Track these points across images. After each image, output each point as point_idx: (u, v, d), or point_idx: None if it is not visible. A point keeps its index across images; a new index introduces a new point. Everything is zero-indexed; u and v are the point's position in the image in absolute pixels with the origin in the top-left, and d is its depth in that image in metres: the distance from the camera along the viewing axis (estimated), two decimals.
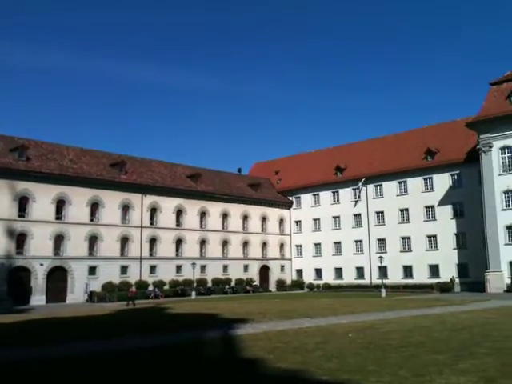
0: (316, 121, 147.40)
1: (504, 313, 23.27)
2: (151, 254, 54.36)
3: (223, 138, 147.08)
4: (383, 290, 45.07)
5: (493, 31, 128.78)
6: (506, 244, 45.54)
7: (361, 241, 61.66)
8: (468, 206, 52.60)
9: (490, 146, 47.41)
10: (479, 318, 20.88)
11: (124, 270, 51.46)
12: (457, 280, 52.82)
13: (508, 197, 46.17)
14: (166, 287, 53.53)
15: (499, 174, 46.70)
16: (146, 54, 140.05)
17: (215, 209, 60.88)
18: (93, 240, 49.72)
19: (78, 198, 48.62)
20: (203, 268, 57.91)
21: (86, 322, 24.25)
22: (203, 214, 59.92)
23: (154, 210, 55.12)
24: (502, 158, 46.99)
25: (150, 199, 54.54)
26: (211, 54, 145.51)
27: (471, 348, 12.26)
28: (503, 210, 46.02)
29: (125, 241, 52.21)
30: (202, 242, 59.28)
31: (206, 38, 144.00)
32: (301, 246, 67.98)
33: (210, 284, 57.78)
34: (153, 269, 53.83)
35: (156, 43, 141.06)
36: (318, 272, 65.38)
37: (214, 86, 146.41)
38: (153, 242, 54.61)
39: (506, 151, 46.80)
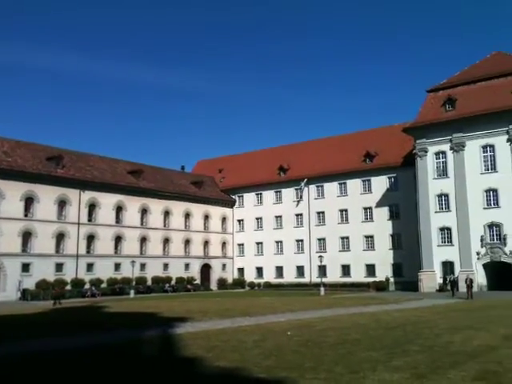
0: (260, 120, 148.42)
1: (435, 311, 24.27)
2: (88, 252, 52.83)
3: (167, 135, 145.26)
4: (322, 289, 45.98)
5: (432, 40, 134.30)
6: (438, 245, 47.56)
7: (302, 240, 62.61)
8: (404, 208, 54.57)
9: (426, 151, 49.35)
10: (412, 316, 21.67)
11: (59, 267, 49.73)
12: (391, 279, 54.71)
13: (441, 200, 48.21)
14: (104, 285, 52.22)
15: (433, 178, 48.68)
16: (89, 46, 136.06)
17: (157, 206, 59.98)
18: (26, 236, 47.73)
19: (12, 192, 46.52)
20: (143, 266, 56.93)
21: (16, 320, 23.22)
22: (144, 211, 58.89)
23: (92, 207, 53.58)
24: (437, 163, 49.02)
25: (88, 195, 52.97)
26: (157, 48, 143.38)
27: (404, 345, 12.68)
28: (436, 212, 48.03)
29: (61, 237, 50.46)
30: (143, 240, 58.25)
31: (145, 30, 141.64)
32: (243, 244, 68.19)
33: (149, 282, 56.88)
34: (90, 267, 52.34)
35: (92, 35, 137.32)
36: (260, 271, 65.83)
37: (158, 82, 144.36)
38: (90, 239, 53.09)
39: (441, 156, 48.86)
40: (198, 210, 65.06)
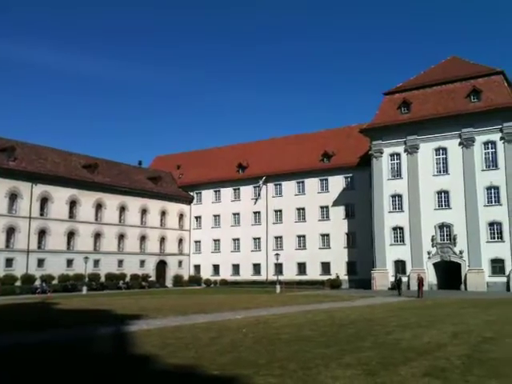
0: (220, 117, 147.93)
1: (387, 309, 24.86)
2: (40, 247, 51.33)
3: (124, 129, 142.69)
4: (278, 286, 46.32)
5: (390, 43, 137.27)
6: (391, 244, 48.76)
7: (259, 238, 62.87)
8: (359, 207, 55.64)
9: (381, 152, 50.46)
10: (365, 313, 22.12)
11: (9, 262, 48.12)
12: (345, 277, 55.67)
13: (395, 200, 49.43)
14: (55, 282, 50.90)
15: (388, 179, 49.85)
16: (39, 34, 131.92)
17: (112, 201, 58.86)
18: None
19: None
20: (96, 262, 55.77)
21: None
22: (99, 207, 57.68)
23: (44, 200, 52.05)
24: (391, 164, 50.21)
25: (40, 188, 51.44)
26: (117, 40, 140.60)
27: (356, 342, 12.91)
28: (390, 212, 49.22)
29: (11, 232, 48.84)
30: (97, 236, 57.06)
31: (103, 21, 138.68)
32: (200, 241, 67.85)
33: (103, 279, 55.79)
34: (41, 262, 50.88)
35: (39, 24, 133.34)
36: (216, 268, 65.67)
37: (117, 75, 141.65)
38: (42, 233, 51.59)
39: (395, 158, 50.08)
40: (154, 206, 64.26)
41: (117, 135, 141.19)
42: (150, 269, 62.60)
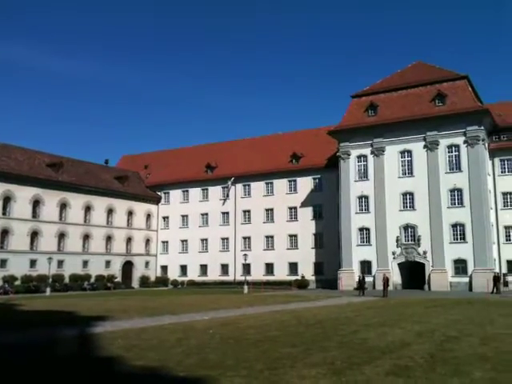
0: (188, 117, 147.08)
1: (353, 309, 25.16)
2: (2, 247, 50.04)
3: (90, 128, 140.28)
4: (246, 287, 46.34)
5: (358, 46, 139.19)
6: (357, 245, 49.41)
7: (227, 238, 62.74)
8: (326, 208, 56.19)
9: (349, 154, 51.10)
10: (331, 313, 22.34)
11: None
12: (312, 277, 56.11)
13: (362, 201, 50.13)
14: (18, 283, 49.64)
15: (355, 181, 50.52)
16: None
17: (77, 201, 57.77)
18: None
19: None
20: (61, 263, 54.65)
21: None
22: (63, 206, 56.53)
23: (7, 200, 50.72)
24: (358, 166, 50.90)
25: (3, 187, 50.14)
26: (83, 38, 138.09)
27: (322, 342, 13.02)
28: (357, 213, 49.87)
29: None
30: (61, 236, 55.90)
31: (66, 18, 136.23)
32: (167, 242, 67.27)
33: (67, 280, 54.69)
34: (3, 263, 49.63)
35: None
36: (184, 269, 65.23)
37: (83, 73, 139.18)
38: (4, 233, 50.30)
39: (362, 160, 50.79)
40: (121, 205, 63.37)
41: (83, 134, 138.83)
42: (116, 269, 61.71)
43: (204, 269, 63.85)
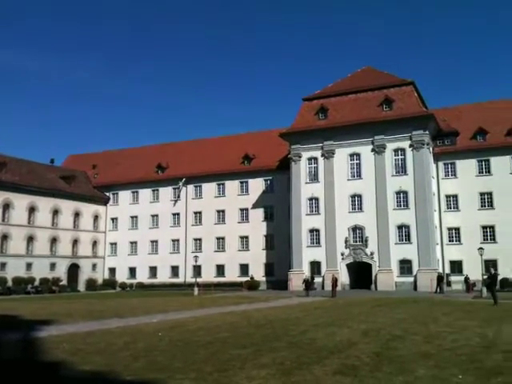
0: (139, 116, 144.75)
1: (302, 309, 25.45)
2: None
3: (35, 126, 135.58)
4: (196, 289, 45.99)
5: (311, 51, 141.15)
6: (308, 246, 50.05)
7: (178, 240, 62.10)
8: (278, 210, 56.63)
9: (300, 157, 51.72)
10: (281, 313, 22.49)
11: None
12: (263, 278, 56.39)
13: (312, 203, 50.82)
14: None
15: (306, 183, 51.18)
16: None
17: (21, 201, 55.67)
18: None
19: None
20: (3, 266, 52.69)
21: None
22: (6, 207, 54.39)
23: None
24: (309, 168, 51.61)
25: None
26: (29, 33, 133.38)
27: (272, 342, 13.08)
28: (307, 214, 50.52)
29: None
30: (4, 238, 53.81)
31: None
32: (115, 243, 65.87)
33: (10, 283, 52.58)
34: None
35: None
36: (132, 271, 64.05)
37: (28, 69, 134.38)
38: None
39: (313, 162, 51.52)
40: (67, 206, 61.54)
41: (27, 133, 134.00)
42: (62, 272, 59.87)
43: (154, 271, 62.92)
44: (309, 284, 39.71)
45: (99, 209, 66.23)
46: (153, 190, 64.85)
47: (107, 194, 67.25)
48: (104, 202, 66.85)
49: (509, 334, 14.36)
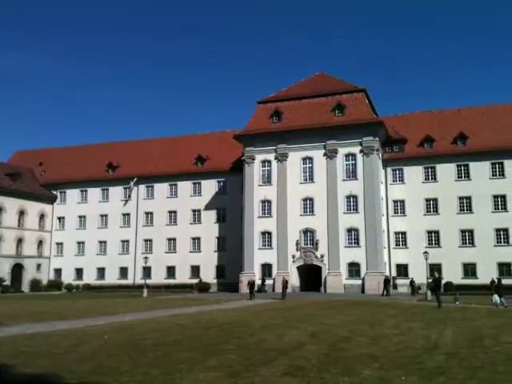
0: (90, 114, 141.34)
1: (252, 311, 25.54)
2: None
3: None
4: (145, 290, 45.31)
5: (268, 54, 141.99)
6: (259, 248, 50.25)
7: (127, 241, 60.94)
8: (230, 211, 56.56)
9: (253, 159, 51.90)
10: (231, 316, 22.48)
11: None
12: (214, 280, 56.15)
13: (264, 206, 51.08)
14: None
15: (259, 185, 51.40)
16: None
17: None
18: None
19: None
20: None
21: None
22: None
23: None
24: (263, 171, 51.86)
25: None
26: None
27: (221, 345, 13.04)
28: (260, 217, 50.73)
29: None
30: None
31: None
32: (62, 244, 63.93)
33: None
34: None
35: None
36: (79, 272, 62.33)
37: None
38: None
39: (266, 165, 51.82)
40: (11, 204, 59.26)
41: None
42: (5, 272, 57.58)
43: (101, 272, 61.45)
44: (253, 287, 38.84)
45: (46, 207, 64.13)
46: (102, 190, 63.38)
47: (54, 192, 65.20)
48: (51, 200, 64.78)
49: (451, 336, 14.88)
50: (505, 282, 44.01)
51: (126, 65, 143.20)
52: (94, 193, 63.50)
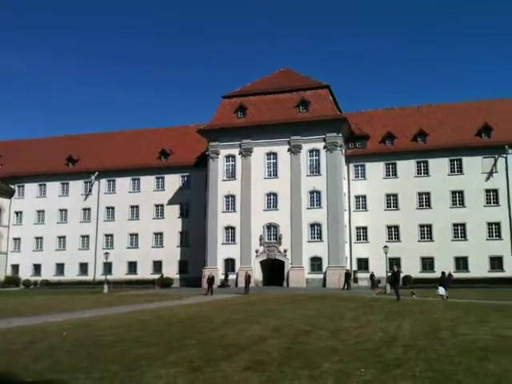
0: (48, 106, 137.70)
1: (214, 306, 25.47)
2: None
3: None
4: (106, 286, 44.65)
5: (234, 49, 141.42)
6: (223, 243, 50.21)
7: (88, 236, 59.83)
8: (193, 206, 56.26)
9: (217, 154, 51.72)
10: (193, 311, 22.35)
11: None
12: (177, 276, 55.79)
13: (228, 201, 51.03)
14: None
15: (223, 180, 51.29)
16: None
17: None
18: None
19: None
20: None
21: None
22: None
23: None
24: (227, 166, 51.76)
25: None
26: None
27: (182, 340, 12.94)
28: (223, 212, 50.66)
29: None
30: None
31: None
32: (20, 239, 62.21)
33: None
34: None
35: None
36: (37, 268, 60.85)
37: None
38: None
39: (230, 160, 51.74)
40: None
41: None
42: None
43: (61, 268, 60.12)
44: (212, 282, 37.64)
45: (3, 202, 62.23)
46: (62, 184, 61.95)
47: (12, 186, 63.31)
48: (8, 194, 62.88)
49: (409, 329, 15.21)
50: (461, 275, 46.23)
51: (93, 57, 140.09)
52: (54, 187, 61.99)
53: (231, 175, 51.54)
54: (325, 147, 49.54)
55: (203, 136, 52.94)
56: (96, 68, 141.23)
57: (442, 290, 28.77)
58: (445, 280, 30.98)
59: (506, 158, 49.57)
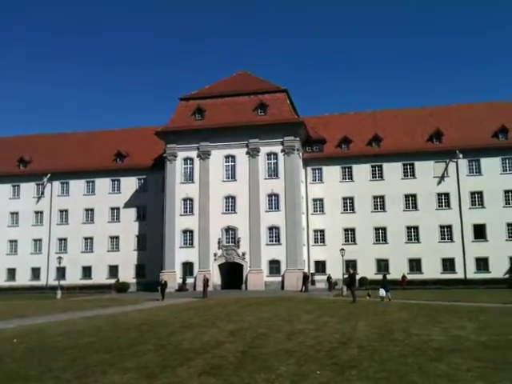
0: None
1: (172, 310, 25.21)
2: None
3: None
4: (59, 292, 43.47)
5: (191, 51, 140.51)
6: (181, 247, 49.73)
7: (40, 240, 58.04)
8: (151, 209, 55.48)
9: (175, 156, 51.26)
10: (149, 316, 22.05)
11: None
12: (134, 280, 54.83)
13: (186, 204, 50.60)
14: None
15: (181, 183, 50.84)
16: None
17: None
18: None
19: None
20: None
21: None
22: None
23: None
24: (184, 168, 51.35)
25: None
26: None
27: (138, 346, 12.75)
28: (181, 215, 50.21)
29: None
30: None
31: None
32: None
33: None
34: None
35: None
36: None
37: None
38: None
39: (188, 162, 51.36)
40: None
41: None
42: None
43: (12, 273, 58.02)
44: (165, 287, 36.48)
45: None
46: (13, 186, 59.85)
47: None
48: None
49: (364, 330, 15.50)
50: (415, 277, 47.66)
51: (48, 60, 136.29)
52: (4, 189, 59.82)
53: (189, 178, 51.17)
54: (283, 150, 49.89)
55: (160, 138, 52.36)
56: (46, 67, 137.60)
57: (382, 292, 30.06)
58: (386, 282, 32.87)
59: (456, 163, 51.26)
